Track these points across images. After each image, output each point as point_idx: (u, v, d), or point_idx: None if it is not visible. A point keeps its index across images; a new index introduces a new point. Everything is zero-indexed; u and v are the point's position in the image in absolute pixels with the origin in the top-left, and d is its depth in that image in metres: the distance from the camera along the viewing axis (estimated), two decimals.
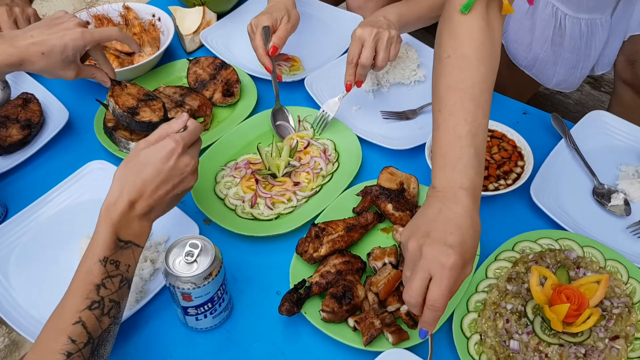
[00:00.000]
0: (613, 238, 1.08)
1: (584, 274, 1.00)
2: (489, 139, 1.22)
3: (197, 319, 0.95)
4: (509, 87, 1.52)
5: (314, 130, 1.29)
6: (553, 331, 0.94)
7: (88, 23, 1.53)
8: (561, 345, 0.93)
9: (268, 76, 1.41)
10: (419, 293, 0.78)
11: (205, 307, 0.93)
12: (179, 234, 1.07)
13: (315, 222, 1.07)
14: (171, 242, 1.04)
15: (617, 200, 1.13)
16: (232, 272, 1.06)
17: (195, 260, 0.89)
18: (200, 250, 0.90)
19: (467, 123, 0.85)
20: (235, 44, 1.54)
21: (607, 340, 0.93)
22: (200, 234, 1.08)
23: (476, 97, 0.87)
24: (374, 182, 1.15)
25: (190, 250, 0.89)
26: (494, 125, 1.23)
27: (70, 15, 1.07)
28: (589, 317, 0.90)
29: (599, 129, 1.26)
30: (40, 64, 1.02)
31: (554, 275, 0.95)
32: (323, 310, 0.95)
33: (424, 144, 1.19)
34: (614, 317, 0.95)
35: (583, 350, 0.92)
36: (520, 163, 1.18)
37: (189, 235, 0.92)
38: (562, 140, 1.23)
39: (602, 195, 1.15)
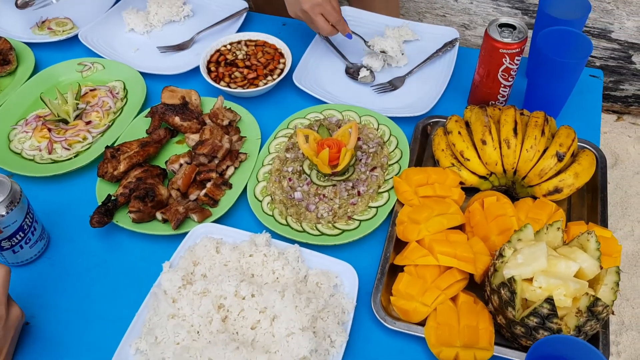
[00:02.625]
0: (365, 101, 1.32)
1: None
2: (253, 47, 1.39)
3: (14, 252, 1.02)
4: (273, 10, 1.70)
5: None
6: (327, 177, 1.14)
7: None
8: (334, 185, 1.14)
9: (41, 39, 1.45)
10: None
11: (18, 236, 1.00)
12: None
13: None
14: None
15: (364, 72, 1.37)
16: (43, 210, 1.13)
17: None
18: None
19: None
20: (4, 19, 1.55)
21: (367, 172, 1.15)
22: None
23: None
24: None
25: None
26: (256, 35, 1.41)
27: None
28: (346, 156, 1.11)
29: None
30: None
31: (315, 133, 1.15)
32: (130, 212, 1.07)
33: (191, 70, 1.34)
34: (371, 154, 1.18)
35: (351, 184, 1.14)
36: (282, 60, 1.36)
37: None
38: (317, 36, 1.44)
39: (352, 72, 1.38)
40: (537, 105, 1.22)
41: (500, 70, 1.17)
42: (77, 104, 1.28)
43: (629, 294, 1.65)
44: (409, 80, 1.36)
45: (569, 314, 0.86)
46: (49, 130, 1.25)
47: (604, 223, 1.06)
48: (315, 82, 1.35)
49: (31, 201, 1.05)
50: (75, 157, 1.22)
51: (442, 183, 1.09)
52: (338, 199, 1.11)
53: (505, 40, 1.12)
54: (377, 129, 1.23)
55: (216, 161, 1.16)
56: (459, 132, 1.12)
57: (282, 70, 1.34)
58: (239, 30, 1.47)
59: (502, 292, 0.88)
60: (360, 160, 1.17)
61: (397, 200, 1.10)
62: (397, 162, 1.17)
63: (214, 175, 1.13)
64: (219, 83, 1.31)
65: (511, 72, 1.17)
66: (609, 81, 1.98)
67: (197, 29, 1.49)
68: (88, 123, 1.27)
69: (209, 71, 1.34)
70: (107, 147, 1.16)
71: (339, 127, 1.23)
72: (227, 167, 1.16)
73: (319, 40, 1.44)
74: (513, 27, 1.14)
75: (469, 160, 1.11)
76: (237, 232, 1.06)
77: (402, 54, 1.39)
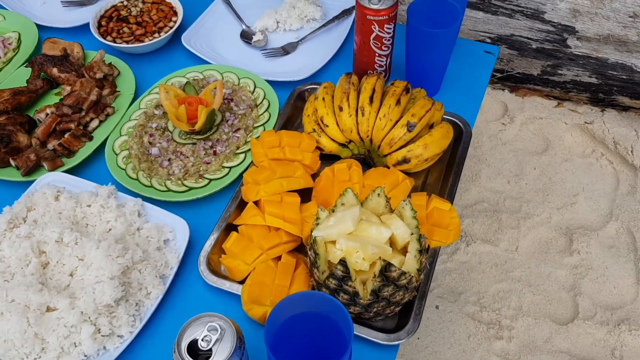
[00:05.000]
0: (255, 65, 1.30)
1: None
2: (149, 5, 1.39)
3: None
4: None
5: None
6: (189, 135, 1.14)
7: None
8: (194, 144, 1.13)
9: None
10: None
11: None
12: None
13: None
14: None
15: (257, 36, 1.35)
16: None
17: None
18: None
19: None
20: None
21: (230, 133, 1.15)
22: None
23: None
24: None
25: None
26: None
27: None
28: (202, 114, 1.11)
29: None
30: None
31: (177, 89, 1.14)
32: None
33: (88, 24, 1.33)
34: (239, 116, 1.18)
35: (210, 143, 1.13)
36: (174, 19, 1.36)
37: None
38: None
39: (247, 36, 1.36)
40: (415, 77, 1.20)
41: (372, 38, 1.14)
42: None
43: (533, 280, 1.63)
44: (302, 47, 1.34)
45: (369, 278, 0.85)
46: None
47: (450, 197, 1.04)
48: (207, 44, 1.34)
49: None
50: None
51: (294, 147, 1.08)
52: (193, 157, 1.11)
53: (373, 6, 1.10)
54: (253, 92, 1.22)
55: (83, 113, 1.16)
56: (323, 98, 1.11)
57: (170, 28, 1.33)
58: None
59: (309, 253, 0.88)
60: (227, 121, 1.17)
61: (252, 162, 1.10)
62: (262, 124, 1.16)
63: (72, 125, 1.13)
64: (105, 38, 1.30)
65: (383, 40, 1.15)
66: (547, 65, 1.94)
67: None
68: None
69: (100, 26, 1.34)
70: None
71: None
72: (91, 119, 1.16)
73: (219, 2, 1.42)
74: None
75: (327, 126, 1.09)
76: (83, 183, 1.06)
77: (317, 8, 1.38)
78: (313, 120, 1.13)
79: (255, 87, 1.23)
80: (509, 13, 1.80)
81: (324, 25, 1.36)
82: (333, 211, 0.91)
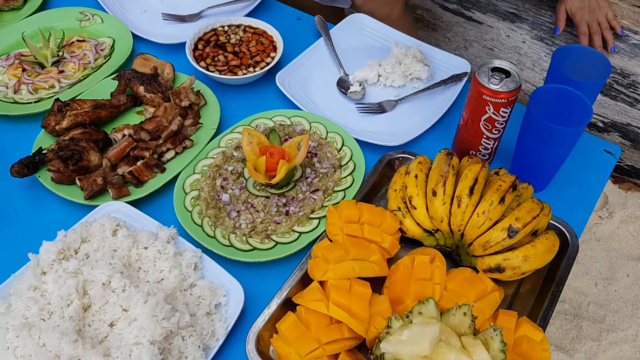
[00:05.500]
0: (347, 118, 1.20)
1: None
2: (250, 35, 1.32)
3: None
4: (294, 2, 1.61)
5: None
6: (263, 187, 1.05)
7: None
8: (267, 197, 1.04)
9: None
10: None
11: None
12: None
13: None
14: None
15: (355, 87, 1.25)
16: None
17: None
18: None
19: None
20: None
21: (308, 192, 1.05)
22: None
23: None
24: None
25: None
26: (258, 23, 1.33)
27: None
28: (282, 169, 1.01)
29: (357, 29, 1.38)
30: None
31: (262, 136, 1.06)
32: (49, 170, 1.03)
33: (184, 43, 1.28)
34: (320, 175, 1.08)
35: (284, 200, 1.04)
36: (272, 55, 1.28)
37: None
38: (321, 39, 1.34)
39: (344, 85, 1.27)
40: (523, 170, 1.06)
41: (483, 119, 1.02)
42: (57, 50, 1.26)
43: None
44: (401, 107, 1.23)
45: None
46: (23, 70, 1.23)
47: (543, 322, 0.90)
48: (301, 87, 1.25)
49: None
50: (36, 102, 1.20)
51: (374, 226, 0.96)
52: (264, 212, 1.02)
53: (492, 87, 0.98)
54: (340, 150, 1.12)
55: (160, 141, 1.10)
56: (416, 176, 0.99)
57: (267, 64, 1.25)
58: (251, 14, 1.40)
59: None
60: (307, 178, 1.07)
61: (325, 231, 0.99)
62: (344, 189, 1.06)
63: (147, 154, 1.06)
64: (199, 63, 1.24)
65: (496, 123, 1.02)
66: None
67: (212, 3, 1.43)
68: (61, 72, 1.24)
69: (196, 48, 1.28)
70: (56, 99, 1.12)
71: None
72: (168, 149, 1.09)
73: (322, 43, 1.34)
74: (507, 73, 1.00)
75: (415, 208, 0.98)
76: (145, 219, 0.99)
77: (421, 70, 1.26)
78: (400, 196, 1.01)
79: (342, 144, 1.13)
80: (630, 101, 1.62)
81: (428, 88, 1.25)
82: (407, 317, 0.80)
